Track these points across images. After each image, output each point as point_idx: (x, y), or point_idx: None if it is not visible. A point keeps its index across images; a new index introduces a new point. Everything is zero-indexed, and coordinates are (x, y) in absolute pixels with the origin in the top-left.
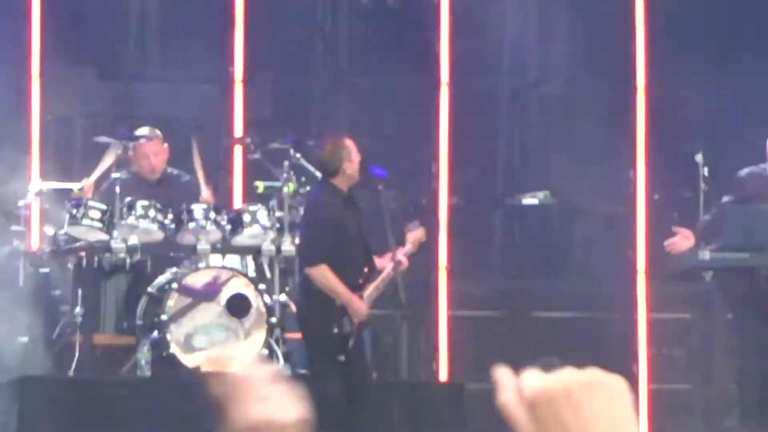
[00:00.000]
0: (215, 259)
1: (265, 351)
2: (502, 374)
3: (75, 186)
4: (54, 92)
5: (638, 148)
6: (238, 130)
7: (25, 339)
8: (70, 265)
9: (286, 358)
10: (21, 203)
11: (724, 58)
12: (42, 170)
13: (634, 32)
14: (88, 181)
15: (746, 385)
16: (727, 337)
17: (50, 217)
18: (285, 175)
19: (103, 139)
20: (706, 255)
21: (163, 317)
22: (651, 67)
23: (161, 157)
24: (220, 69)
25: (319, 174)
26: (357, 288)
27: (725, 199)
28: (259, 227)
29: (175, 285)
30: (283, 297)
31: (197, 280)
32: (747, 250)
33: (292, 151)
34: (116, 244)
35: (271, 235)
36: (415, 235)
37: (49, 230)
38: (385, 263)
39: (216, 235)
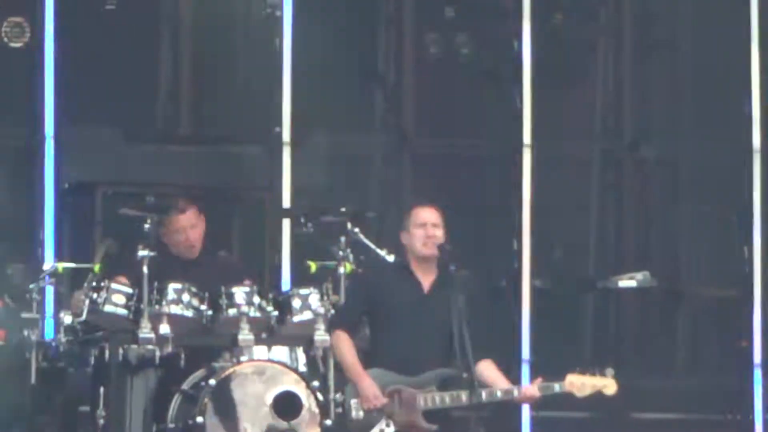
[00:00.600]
0: (260, 350)
1: None
2: None
3: (94, 266)
4: (71, 156)
5: (754, 220)
6: (287, 200)
7: None
8: (90, 359)
9: None
10: (32, 286)
11: None
12: (57, 248)
13: (750, 86)
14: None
15: None
16: None
17: (66, 302)
18: (341, 252)
19: (129, 211)
20: None
21: (199, 420)
22: None
23: (198, 231)
24: (265, 128)
25: (380, 251)
26: (414, 383)
27: None
28: (310, 313)
29: (213, 382)
30: (339, 395)
31: None
32: None
33: (349, 225)
34: (144, 333)
35: (325, 323)
36: (595, 385)
37: (66, 318)
38: (496, 380)
39: (261, 323)
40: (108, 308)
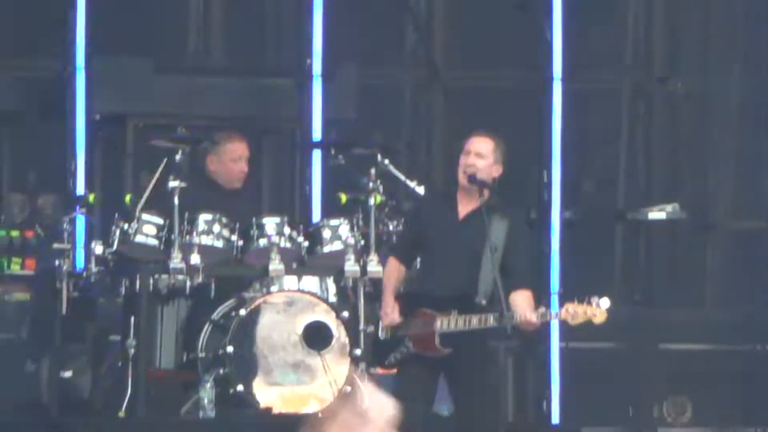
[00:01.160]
0: (290, 281)
1: (348, 388)
2: None
3: (126, 196)
4: (102, 88)
5: None
6: (317, 133)
7: (68, 374)
8: (121, 289)
9: None
10: (64, 217)
11: None
12: (88, 179)
13: None
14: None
15: None
16: None
17: (98, 233)
18: (371, 184)
19: (160, 142)
20: None
21: (229, 349)
22: None
23: (246, 163)
24: (296, 61)
25: (409, 183)
26: (438, 305)
27: None
28: (340, 244)
29: (243, 312)
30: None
31: None
32: None
33: (379, 157)
34: (175, 264)
35: (355, 253)
36: (586, 313)
37: (97, 248)
38: (521, 305)
39: (291, 253)
40: (139, 239)
